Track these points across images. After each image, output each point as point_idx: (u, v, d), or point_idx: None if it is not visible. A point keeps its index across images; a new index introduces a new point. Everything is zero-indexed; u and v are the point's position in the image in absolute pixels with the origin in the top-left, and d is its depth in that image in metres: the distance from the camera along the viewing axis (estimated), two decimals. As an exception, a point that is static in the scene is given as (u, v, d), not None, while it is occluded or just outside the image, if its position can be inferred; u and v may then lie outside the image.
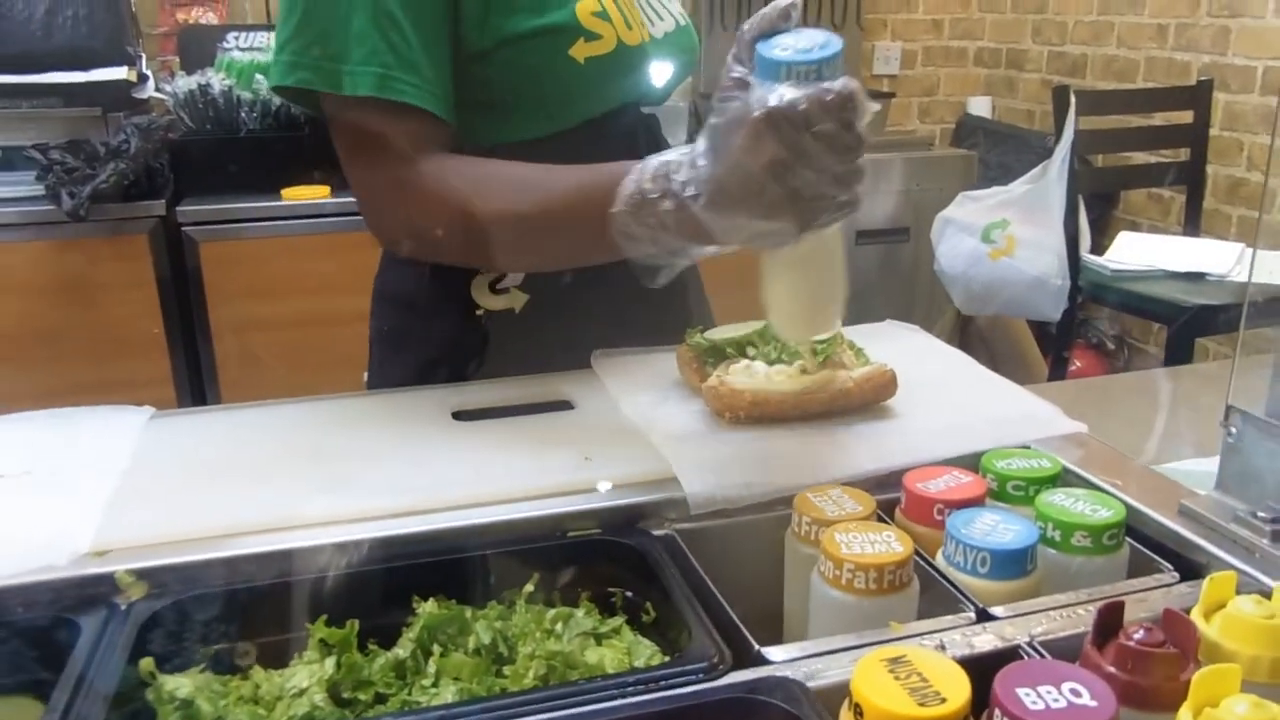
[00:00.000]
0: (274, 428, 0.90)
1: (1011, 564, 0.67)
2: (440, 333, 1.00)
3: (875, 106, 0.70)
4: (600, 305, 0.97)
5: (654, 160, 0.74)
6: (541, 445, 0.85)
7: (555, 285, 0.96)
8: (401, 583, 0.70)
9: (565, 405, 0.94)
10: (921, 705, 0.48)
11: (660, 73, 0.98)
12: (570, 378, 0.98)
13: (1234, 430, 0.76)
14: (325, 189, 2.35)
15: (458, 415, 0.91)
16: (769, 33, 0.71)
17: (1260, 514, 0.71)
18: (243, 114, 2.39)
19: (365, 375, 1.08)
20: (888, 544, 0.65)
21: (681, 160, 0.72)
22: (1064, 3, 3.56)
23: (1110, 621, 0.59)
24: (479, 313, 0.98)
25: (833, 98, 0.66)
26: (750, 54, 0.70)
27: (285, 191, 2.33)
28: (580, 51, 0.90)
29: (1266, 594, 0.59)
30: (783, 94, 0.66)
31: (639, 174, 0.74)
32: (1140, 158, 3.06)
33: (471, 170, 0.86)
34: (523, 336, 0.98)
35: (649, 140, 1.02)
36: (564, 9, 0.89)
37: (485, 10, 0.87)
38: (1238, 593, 0.59)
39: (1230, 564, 0.68)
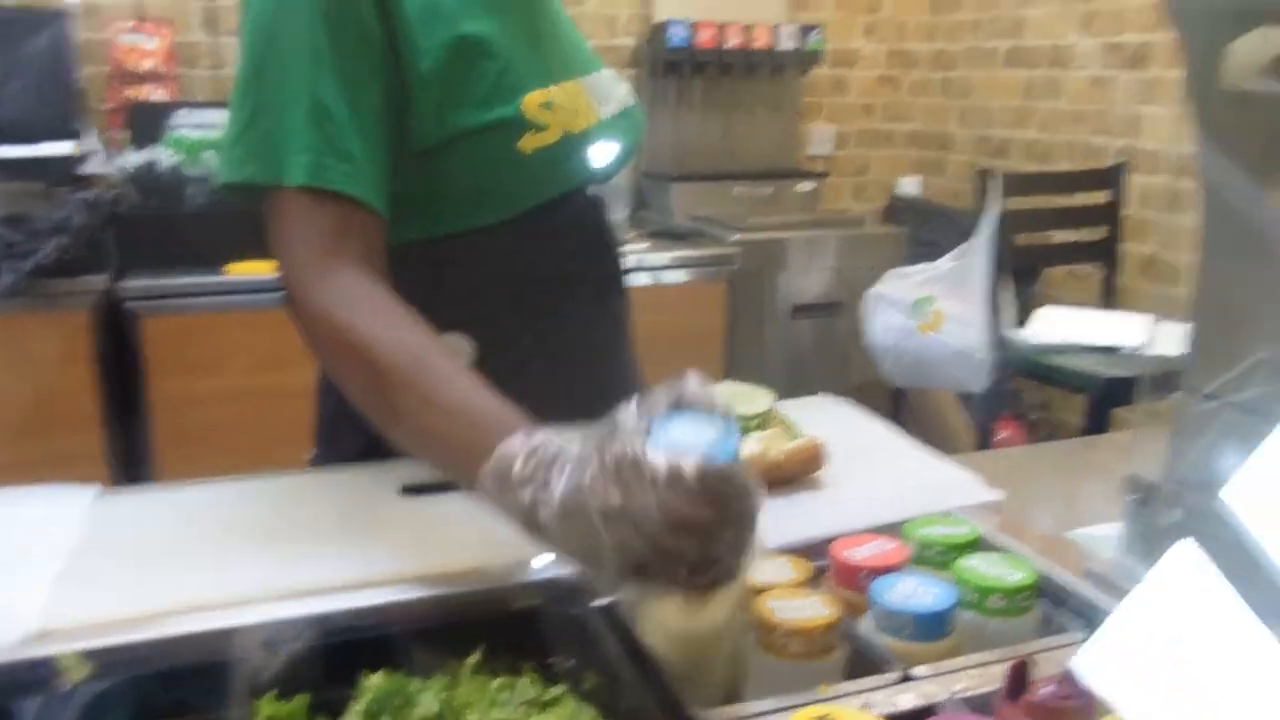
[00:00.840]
0: (222, 505, 0.92)
1: (932, 626, 0.71)
2: None
3: (759, 499, 0.62)
4: (549, 384, 1.00)
5: (532, 444, 0.68)
6: (487, 519, 0.87)
7: (504, 367, 0.98)
8: (349, 657, 0.72)
9: (509, 479, 0.97)
10: (844, 758, 0.51)
11: (607, 154, 1.03)
12: (514, 452, 1.01)
13: (1136, 496, 0.81)
14: (270, 264, 2.37)
15: (405, 490, 0.94)
16: (671, 410, 0.64)
17: (1161, 576, 0.76)
18: (189, 189, 2.41)
19: (309, 455, 1.09)
20: (816, 609, 0.69)
21: (549, 465, 0.66)
22: (989, 89, 3.74)
23: (1019, 678, 0.63)
24: None
25: (689, 518, 0.58)
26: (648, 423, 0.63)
27: (230, 267, 2.34)
28: (528, 143, 0.93)
29: (1164, 650, 0.63)
30: (645, 502, 0.59)
31: (509, 450, 0.68)
32: (1060, 236, 3.20)
33: (382, 322, 0.81)
34: None
35: (595, 221, 1.06)
36: (511, 104, 0.93)
37: (437, 106, 0.90)
38: (1139, 650, 0.63)
39: (1133, 623, 0.73)
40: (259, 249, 2.43)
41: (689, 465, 0.58)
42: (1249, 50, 0.72)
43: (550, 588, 0.79)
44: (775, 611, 0.68)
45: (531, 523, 0.66)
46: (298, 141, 0.84)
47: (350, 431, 1.01)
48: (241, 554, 0.81)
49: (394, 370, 0.78)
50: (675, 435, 0.61)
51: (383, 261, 0.88)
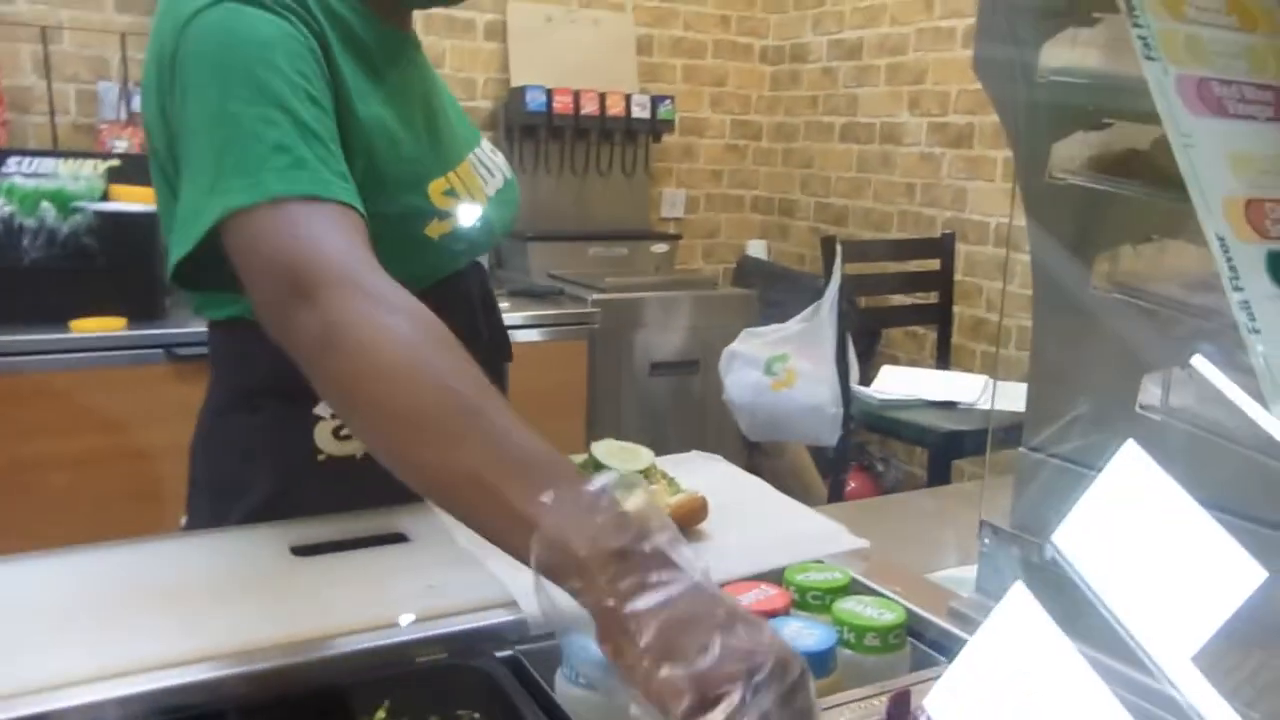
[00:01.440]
0: (105, 572, 0.90)
1: (817, 665, 0.76)
2: (279, 478, 1.01)
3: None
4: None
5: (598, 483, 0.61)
6: (384, 576, 0.89)
7: None
8: None
9: (401, 538, 0.98)
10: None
11: (493, 228, 1.07)
12: (403, 511, 1.03)
13: (986, 541, 0.90)
14: (120, 320, 2.28)
15: (296, 551, 0.94)
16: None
17: (1011, 611, 0.85)
18: (25, 242, 2.30)
19: (183, 519, 1.08)
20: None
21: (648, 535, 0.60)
22: (827, 160, 3.97)
23: (900, 708, 0.70)
24: (320, 458, 1.00)
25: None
26: None
27: (74, 323, 2.24)
28: (434, 230, 0.96)
29: (1019, 677, 0.71)
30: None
31: (581, 483, 0.61)
32: (897, 299, 3.42)
33: (416, 334, 0.72)
34: (362, 481, 0.98)
35: (482, 290, 1.10)
36: (418, 191, 0.96)
37: (359, 187, 0.87)
38: (997, 677, 0.71)
39: (990, 654, 0.81)
40: (108, 305, 2.33)
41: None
42: (1070, 149, 0.83)
43: (454, 641, 0.81)
44: None
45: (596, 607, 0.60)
46: (286, 159, 0.78)
47: (238, 495, 1.00)
48: (135, 621, 0.80)
49: (469, 399, 0.67)
50: None
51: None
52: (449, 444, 0.65)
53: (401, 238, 0.94)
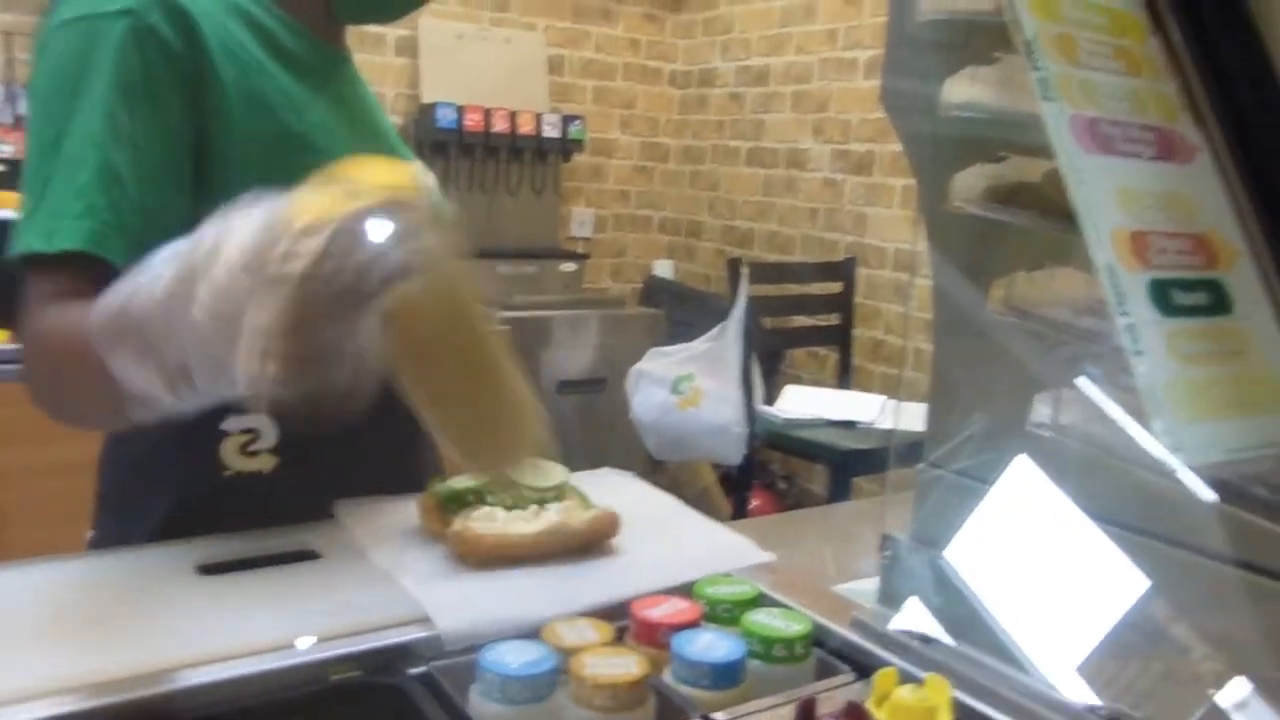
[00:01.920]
0: (3, 593, 0.87)
1: (727, 675, 0.78)
2: (182, 495, 0.99)
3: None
4: (350, 466, 1.02)
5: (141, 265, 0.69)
6: (294, 594, 0.88)
7: (306, 448, 0.99)
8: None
9: (311, 555, 0.97)
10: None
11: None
12: (314, 529, 1.01)
13: (888, 553, 0.94)
14: (1, 334, 2.19)
15: (202, 570, 0.92)
16: None
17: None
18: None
19: (89, 535, 1.04)
20: (627, 666, 0.75)
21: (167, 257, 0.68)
22: (733, 184, 4.05)
23: (807, 715, 0.72)
24: (226, 474, 0.99)
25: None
26: None
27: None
28: None
29: (920, 683, 0.74)
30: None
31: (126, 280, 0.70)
32: (801, 321, 3.50)
33: (60, 312, 0.81)
34: (270, 498, 1.00)
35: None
36: None
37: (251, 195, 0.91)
38: (900, 684, 0.74)
39: (892, 662, 0.84)
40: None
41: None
42: (969, 180, 0.88)
43: (366, 658, 0.80)
44: (589, 667, 0.74)
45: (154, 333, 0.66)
46: (80, 204, 0.83)
47: (143, 511, 0.98)
48: (37, 644, 0.77)
49: (75, 332, 0.75)
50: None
51: None
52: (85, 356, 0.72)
53: None
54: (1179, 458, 0.51)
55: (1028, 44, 0.48)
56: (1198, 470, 0.68)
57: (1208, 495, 0.73)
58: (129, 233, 0.84)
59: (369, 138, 1.07)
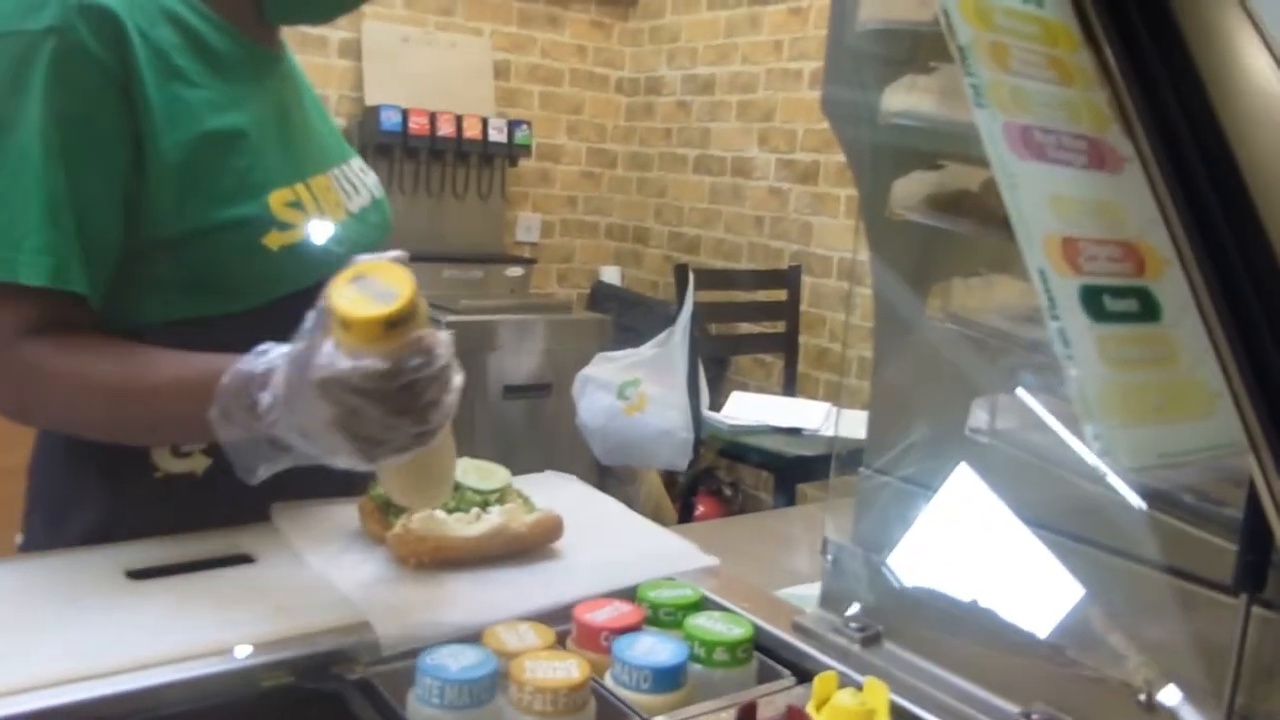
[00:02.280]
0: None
1: (668, 679, 0.78)
2: (114, 497, 0.97)
3: (435, 358, 0.73)
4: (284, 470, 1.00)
5: (245, 366, 0.77)
6: (226, 599, 0.86)
7: None
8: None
9: (245, 560, 0.95)
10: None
11: (356, 246, 1.05)
12: (249, 532, 1.00)
13: (830, 558, 0.94)
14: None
15: (132, 574, 0.90)
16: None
17: (852, 625, 0.90)
18: None
19: (19, 539, 1.02)
20: (568, 670, 0.75)
21: (270, 373, 0.76)
22: (680, 190, 4.06)
23: (751, 718, 0.72)
24: (157, 475, 0.97)
25: (375, 370, 0.70)
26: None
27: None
28: (274, 240, 0.94)
29: (859, 687, 0.75)
30: (332, 363, 0.70)
31: (231, 379, 0.78)
32: (747, 328, 3.52)
33: (90, 346, 0.88)
34: (203, 500, 0.98)
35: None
36: (257, 200, 0.94)
37: (177, 200, 0.90)
38: (839, 688, 0.74)
39: (832, 666, 0.85)
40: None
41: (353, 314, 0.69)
42: (908, 187, 0.89)
43: (301, 664, 0.79)
44: (529, 671, 0.73)
45: (275, 439, 0.76)
46: (35, 240, 0.84)
47: (72, 513, 0.96)
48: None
49: (107, 379, 0.86)
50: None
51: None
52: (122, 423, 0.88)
53: (238, 245, 0.93)
54: (1109, 462, 0.52)
55: (961, 50, 0.49)
56: (1129, 476, 0.70)
57: (1137, 501, 0.74)
58: (85, 260, 0.87)
59: (305, 137, 1.06)
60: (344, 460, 0.74)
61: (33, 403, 0.89)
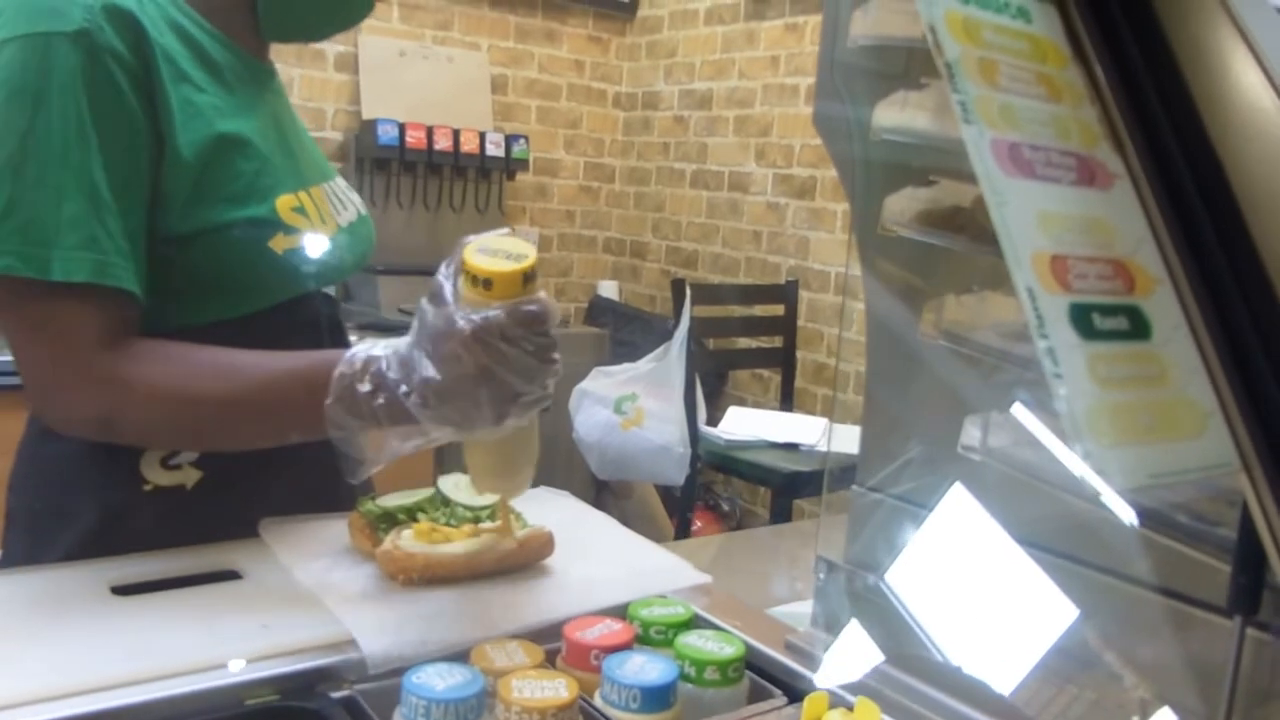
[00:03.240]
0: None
1: (658, 699, 0.77)
2: (103, 509, 0.96)
3: (558, 313, 0.81)
4: (274, 482, 1.00)
5: (360, 354, 0.81)
6: (211, 616, 0.85)
7: (229, 462, 0.97)
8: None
9: (233, 575, 0.94)
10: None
11: (344, 259, 1.06)
12: (237, 547, 0.99)
13: (821, 575, 0.94)
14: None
15: (117, 590, 0.89)
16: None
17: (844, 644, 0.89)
18: None
19: (-3, 555, 1.01)
20: (556, 690, 0.74)
21: (389, 357, 0.80)
22: (678, 206, 4.07)
23: (737, 739, 0.71)
24: (147, 488, 0.96)
25: (528, 313, 0.76)
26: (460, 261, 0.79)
27: None
28: (279, 244, 0.95)
29: (850, 707, 0.74)
30: (486, 312, 0.76)
31: (349, 366, 0.81)
32: (744, 342, 3.52)
33: (177, 355, 0.89)
34: (192, 513, 0.97)
35: (330, 319, 1.08)
36: (265, 203, 0.95)
37: (189, 199, 0.91)
38: (830, 708, 0.73)
39: (823, 686, 0.84)
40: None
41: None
42: (900, 203, 0.88)
43: (285, 681, 0.78)
44: (517, 690, 0.73)
45: (398, 414, 0.79)
46: (75, 236, 0.83)
47: (59, 527, 0.95)
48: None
49: (218, 371, 0.88)
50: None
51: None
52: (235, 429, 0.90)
53: (246, 247, 0.94)
54: (1101, 481, 0.51)
55: (949, 66, 0.48)
56: (1122, 495, 0.69)
57: (1131, 520, 0.74)
58: (131, 257, 0.87)
59: (301, 149, 1.07)
60: (476, 420, 0.78)
61: (123, 420, 0.89)
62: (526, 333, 0.77)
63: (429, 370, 0.77)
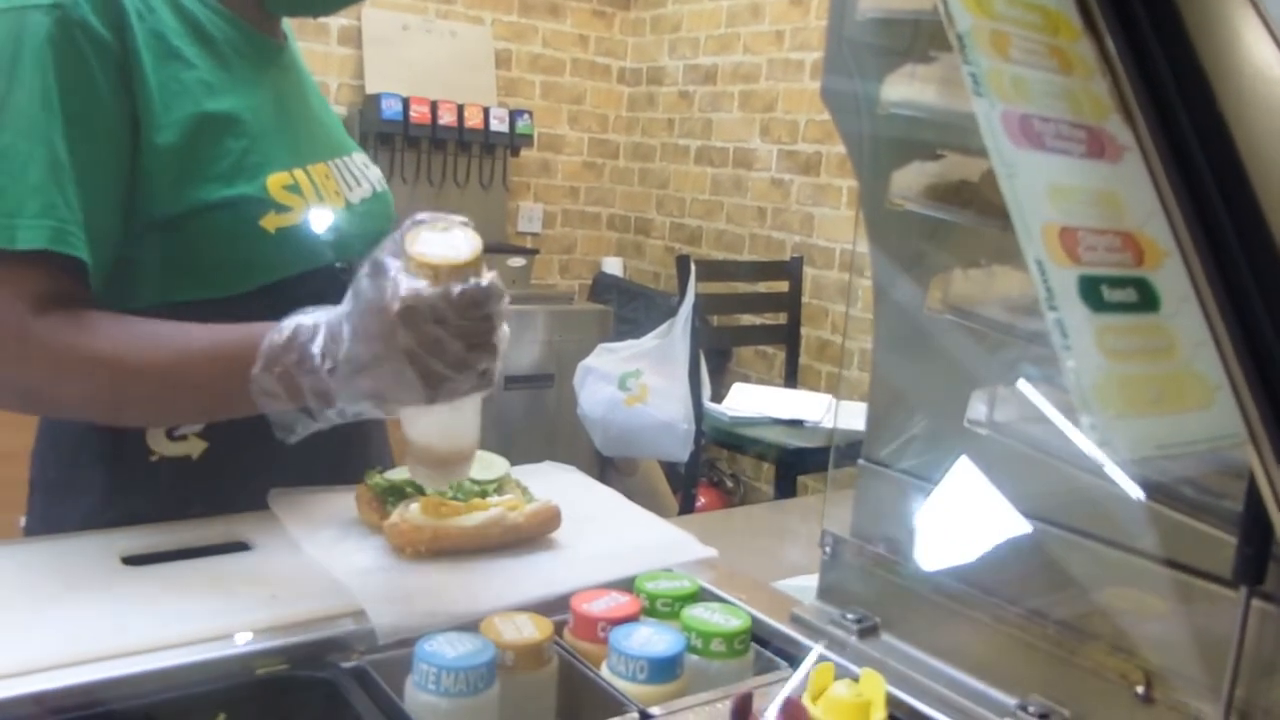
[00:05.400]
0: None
1: (664, 670, 0.78)
2: (111, 480, 0.97)
3: (502, 295, 0.77)
4: (280, 452, 1.00)
5: (290, 323, 0.79)
6: (221, 586, 0.86)
7: (235, 433, 0.97)
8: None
9: (242, 546, 0.95)
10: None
11: (355, 237, 1.05)
12: (246, 519, 0.99)
13: (827, 549, 0.94)
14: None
15: (128, 560, 0.90)
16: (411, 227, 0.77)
17: (849, 616, 0.89)
18: None
19: (22, 521, 1.02)
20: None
21: (318, 326, 0.78)
22: (682, 182, 4.05)
23: (743, 710, 0.72)
24: (153, 459, 0.97)
25: (460, 295, 0.73)
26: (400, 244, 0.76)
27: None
28: (271, 222, 0.95)
29: (856, 679, 0.75)
30: (417, 289, 0.72)
31: (278, 335, 0.79)
32: (748, 319, 3.52)
33: (104, 326, 0.86)
34: (199, 484, 0.98)
35: (337, 296, 1.08)
36: (255, 181, 0.94)
37: (176, 178, 0.90)
38: (835, 679, 0.74)
39: (829, 658, 0.85)
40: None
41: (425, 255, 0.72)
42: (908, 178, 0.88)
43: (295, 651, 0.79)
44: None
45: (324, 390, 0.77)
46: (36, 203, 0.83)
47: (70, 498, 0.96)
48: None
49: (123, 352, 0.84)
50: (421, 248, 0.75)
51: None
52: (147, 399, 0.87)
53: (236, 226, 0.94)
54: (1108, 453, 0.52)
55: (960, 38, 0.48)
56: (1129, 467, 0.69)
57: (1137, 493, 0.74)
58: (87, 230, 0.86)
59: (305, 125, 1.06)
60: (403, 398, 0.75)
61: (44, 385, 0.86)
62: (461, 315, 0.73)
63: (352, 343, 0.75)
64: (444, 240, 0.76)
